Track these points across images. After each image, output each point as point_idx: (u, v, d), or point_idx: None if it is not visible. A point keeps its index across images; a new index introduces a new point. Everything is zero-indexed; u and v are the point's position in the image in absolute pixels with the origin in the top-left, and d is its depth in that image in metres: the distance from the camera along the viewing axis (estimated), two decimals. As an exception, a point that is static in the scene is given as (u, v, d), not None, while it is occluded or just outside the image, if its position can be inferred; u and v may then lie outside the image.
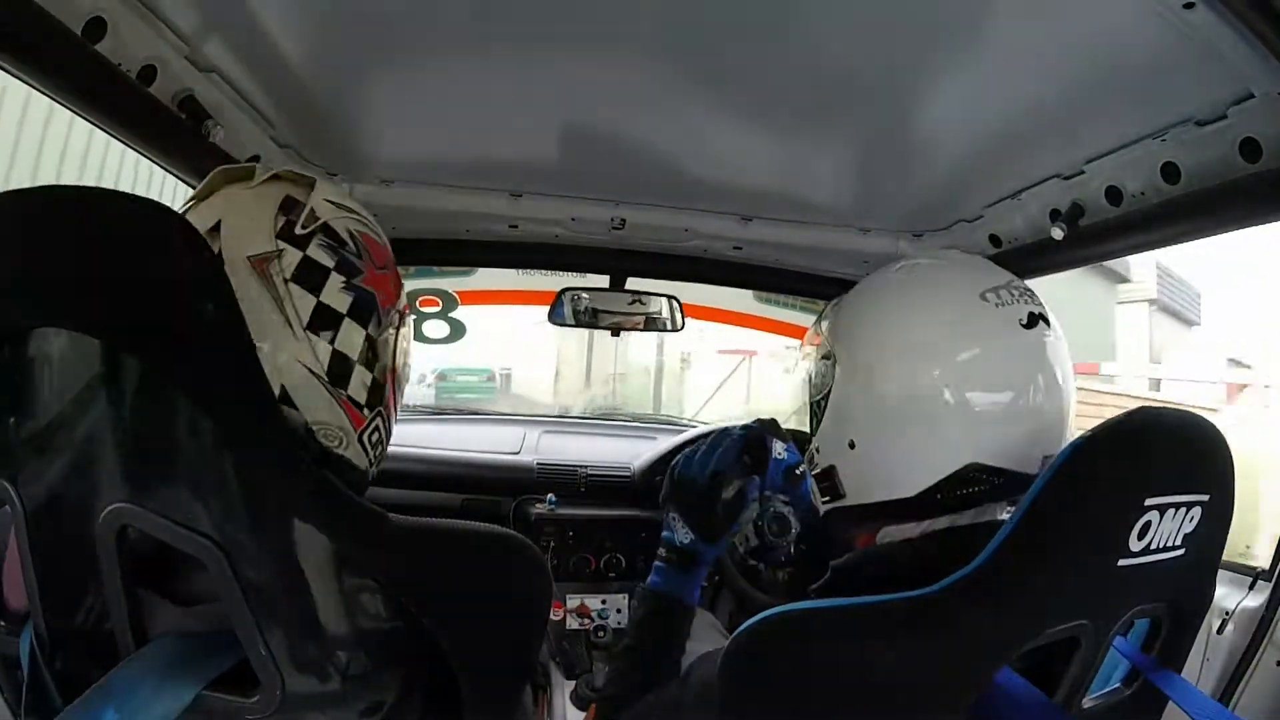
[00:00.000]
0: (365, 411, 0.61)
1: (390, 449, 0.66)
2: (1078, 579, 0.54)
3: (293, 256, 0.57)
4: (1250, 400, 8.00)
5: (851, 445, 0.70)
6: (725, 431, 0.85)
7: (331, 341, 0.58)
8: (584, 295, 1.66)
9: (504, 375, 5.36)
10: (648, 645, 0.80)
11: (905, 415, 0.67)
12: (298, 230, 0.58)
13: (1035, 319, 0.66)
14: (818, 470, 0.75)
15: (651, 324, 1.70)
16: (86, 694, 0.45)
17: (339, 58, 0.97)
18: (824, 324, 0.77)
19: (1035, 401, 0.66)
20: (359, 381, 0.60)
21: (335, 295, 0.59)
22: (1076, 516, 0.53)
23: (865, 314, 0.73)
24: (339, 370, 0.59)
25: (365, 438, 0.62)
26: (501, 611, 0.57)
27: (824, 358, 0.75)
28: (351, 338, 0.59)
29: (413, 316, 0.71)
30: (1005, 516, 0.62)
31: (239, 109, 1.03)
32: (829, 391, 0.73)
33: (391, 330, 0.64)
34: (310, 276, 0.58)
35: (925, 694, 0.54)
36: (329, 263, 0.59)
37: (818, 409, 0.76)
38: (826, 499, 0.74)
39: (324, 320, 0.58)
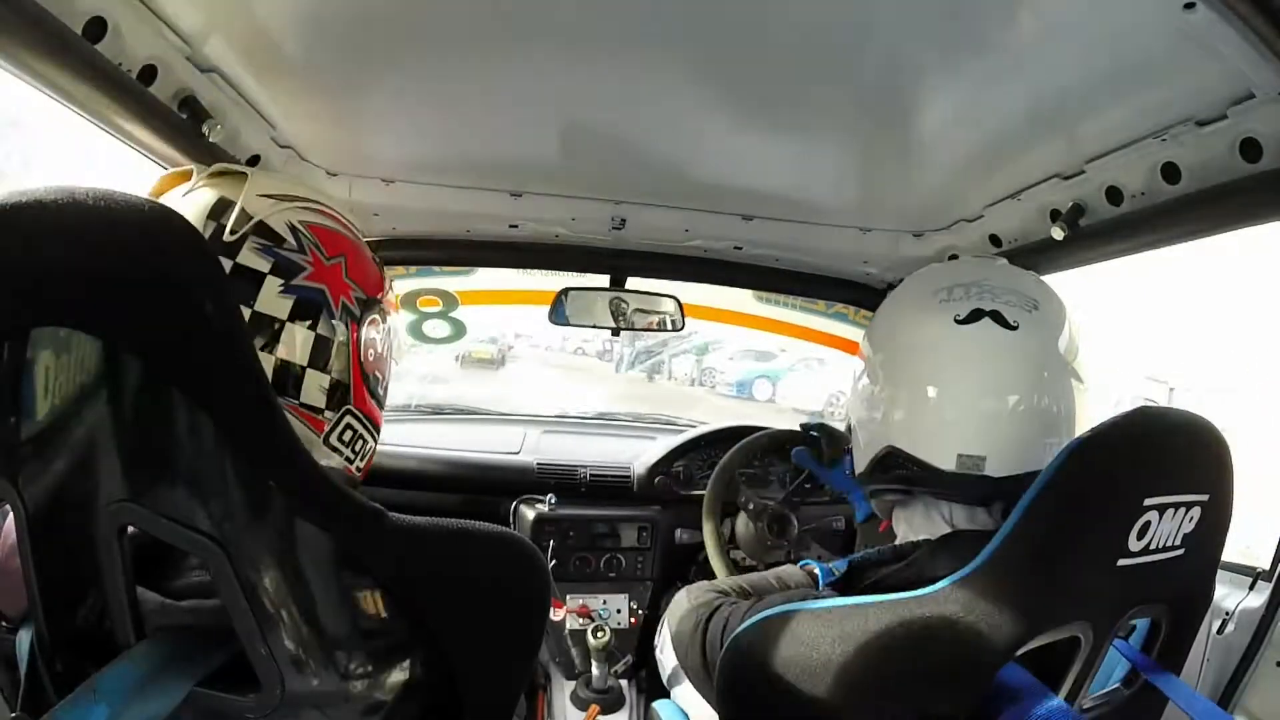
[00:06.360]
0: (326, 414, 0.59)
1: (390, 449, 0.65)
2: (1077, 579, 0.54)
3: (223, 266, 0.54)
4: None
5: (849, 429, 0.80)
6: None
7: (272, 351, 0.55)
8: (584, 295, 1.66)
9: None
10: None
11: (862, 402, 0.75)
12: (226, 236, 0.55)
13: (978, 315, 0.65)
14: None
15: (652, 324, 1.70)
16: (75, 693, 0.45)
17: (339, 58, 0.97)
18: None
19: (958, 397, 0.66)
20: (314, 386, 0.57)
21: (273, 301, 0.55)
22: (1076, 516, 0.53)
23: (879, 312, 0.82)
24: (285, 379, 0.56)
25: (334, 439, 0.59)
26: (501, 611, 0.56)
27: None
28: (296, 343, 0.56)
29: (394, 295, 0.68)
30: None
31: (239, 109, 1.03)
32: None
33: (351, 322, 0.60)
34: (243, 286, 0.55)
35: (926, 693, 0.54)
36: (264, 266, 0.55)
37: None
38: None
39: (262, 332, 0.55)
